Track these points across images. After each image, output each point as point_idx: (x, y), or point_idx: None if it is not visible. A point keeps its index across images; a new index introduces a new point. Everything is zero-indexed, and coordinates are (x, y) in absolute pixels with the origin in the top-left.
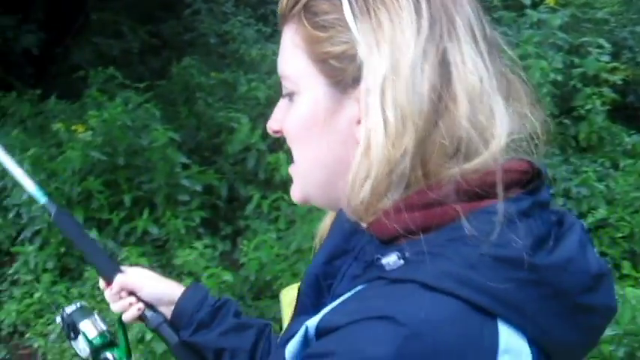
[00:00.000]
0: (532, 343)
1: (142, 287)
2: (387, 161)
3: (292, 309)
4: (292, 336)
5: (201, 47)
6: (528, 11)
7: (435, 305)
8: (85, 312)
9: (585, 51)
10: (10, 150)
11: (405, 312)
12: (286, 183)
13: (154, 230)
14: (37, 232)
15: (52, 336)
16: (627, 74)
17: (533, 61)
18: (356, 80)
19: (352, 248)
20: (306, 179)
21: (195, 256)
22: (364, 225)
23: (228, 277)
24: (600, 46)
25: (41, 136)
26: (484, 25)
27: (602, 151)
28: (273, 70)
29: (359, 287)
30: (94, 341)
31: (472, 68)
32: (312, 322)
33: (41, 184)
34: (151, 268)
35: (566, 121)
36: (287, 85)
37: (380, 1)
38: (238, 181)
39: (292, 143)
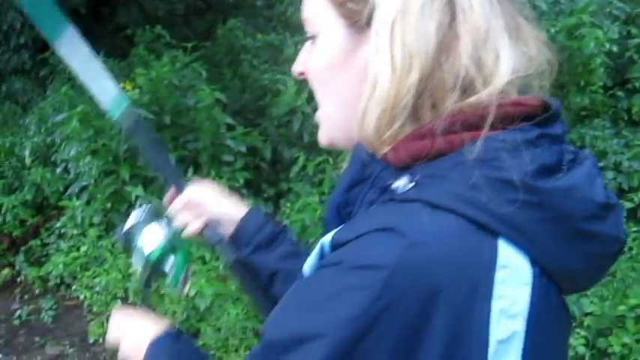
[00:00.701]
0: (534, 263)
1: (209, 202)
2: (392, 95)
3: None
4: None
5: (247, 9)
6: None
7: (436, 220)
8: (155, 215)
9: None
10: (59, 106)
11: (407, 225)
12: None
13: None
14: (84, 188)
15: (98, 288)
16: None
17: (587, 30)
18: (370, 21)
19: (368, 176)
20: (330, 121)
21: None
22: (379, 155)
23: None
24: None
25: (88, 94)
26: None
27: None
28: None
29: (371, 209)
30: (152, 256)
31: (479, 10)
32: (327, 239)
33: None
34: None
35: (620, 93)
36: (309, 29)
37: None
38: (282, 144)
39: (316, 84)
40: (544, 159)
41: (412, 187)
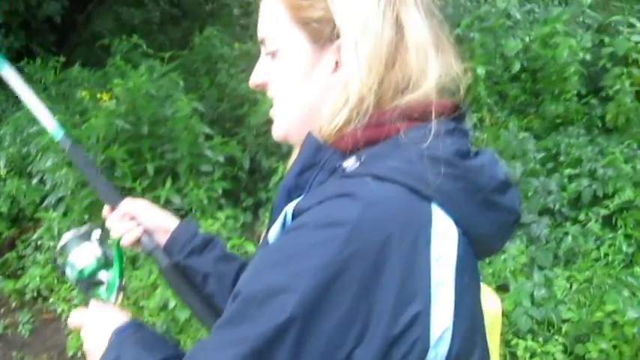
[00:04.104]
0: (458, 225)
1: (143, 214)
2: (358, 99)
3: None
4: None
5: (223, 18)
6: None
7: (383, 189)
8: (82, 237)
9: (615, 30)
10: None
11: (360, 191)
12: None
13: (176, 200)
14: (60, 199)
15: (76, 301)
16: None
17: (561, 39)
18: (331, 38)
19: (319, 161)
20: (289, 118)
21: (217, 227)
22: (329, 143)
23: (251, 247)
24: (631, 25)
25: (65, 104)
26: None
27: (630, 132)
28: None
29: (325, 182)
30: (85, 271)
31: (417, 27)
32: (289, 208)
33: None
34: None
35: (594, 101)
36: (270, 45)
37: None
38: (261, 153)
39: (278, 92)
40: (459, 145)
41: (359, 165)
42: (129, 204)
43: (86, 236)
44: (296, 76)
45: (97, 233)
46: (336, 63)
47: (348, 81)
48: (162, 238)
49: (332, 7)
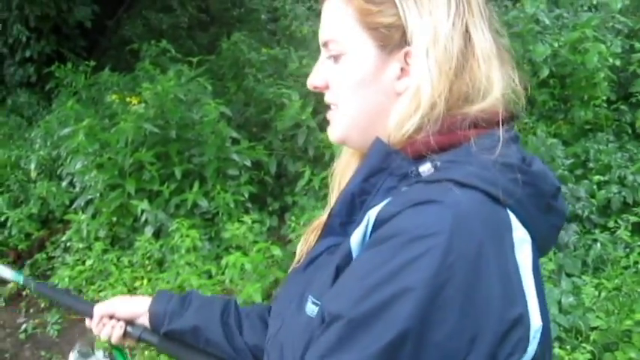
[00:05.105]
0: (527, 228)
1: (117, 309)
2: (430, 105)
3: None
4: (317, 256)
5: (251, 23)
6: None
7: (467, 195)
8: (84, 354)
9: None
10: (65, 120)
11: (447, 198)
12: None
13: (203, 203)
14: (89, 201)
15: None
16: None
17: (590, 44)
18: (400, 45)
19: (387, 166)
20: (350, 123)
21: (243, 230)
22: (398, 148)
23: (277, 251)
24: None
25: (95, 107)
26: (484, 3)
27: None
28: None
29: (402, 190)
30: None
31: (484, 37)
32: (372, 214)
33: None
34: (200, 240)
35: (623, 107)
36: (334, 48)
37: None
38: (287, 158)
39: (340, 95)
40: (521, 151)
41: (435, 171)
42: (100, 308)
43: (87, 353)
44: (360, 80)
45: (94, 348)
46: (402, 69)
47: (419, 88)
48: (144, 321)
49: (403, 14)
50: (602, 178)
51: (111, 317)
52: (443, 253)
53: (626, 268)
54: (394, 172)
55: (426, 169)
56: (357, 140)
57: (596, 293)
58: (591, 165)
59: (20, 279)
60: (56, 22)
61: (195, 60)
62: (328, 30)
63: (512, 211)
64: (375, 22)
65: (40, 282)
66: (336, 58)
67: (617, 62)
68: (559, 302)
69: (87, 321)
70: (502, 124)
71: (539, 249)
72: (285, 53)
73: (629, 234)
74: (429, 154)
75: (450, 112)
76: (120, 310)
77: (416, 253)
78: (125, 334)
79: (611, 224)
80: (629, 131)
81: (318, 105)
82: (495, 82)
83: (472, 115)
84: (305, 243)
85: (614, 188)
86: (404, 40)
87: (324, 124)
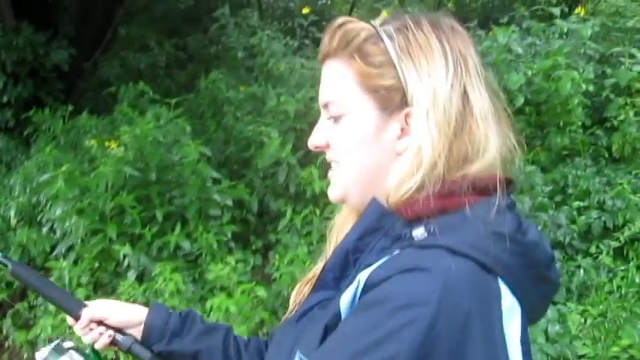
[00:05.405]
0: (516, 298)
1: (109, 315)
2: (430, 166)
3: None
4: (310, 309)
5: (228, 61)
6: (558, 21)
7: (458, 263)
8: (60, 350)
9: (617, 61)
10: (44, 165)
11: (438, 266)
12: (317, 197)
13: (186, 245)
14: (70, 247)
15: (87, 351)
16: None
17: (563, 71)
18: (400, 106)
19: (382, 227)
20: (350, 182)
21: (227, 271)
22: (394, 209)
23: (261, 292)
24: (632, 56)
25: (74, 152)
26: (481, 63)
27: (636, 162)
28: (301, 83)
29: (395, 252)
30: None
31: (481, 97)
32: (362, 276)
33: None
34: (184, 283)
35: (599, 132)
36: (334, 109)
37: (417, 46)
38: (269, 195)
39: (340, 155)
40: (517, 220)
41: (428, 235)
42: (90, 311)
43: (63, 350)
44: (361, 141)
45: (71, 344)
46: (402, 129)
47: (420, 148)
48: (135, 332)
49: (403, 76)
50: (581, 204)
51: (99, 323)
52: (429, 324)
53: (610, 293)
54: (388, 233)
55: (419, 233)
56: (356, 199)
57: (582, 320)
58: (570, 191)
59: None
60: (33, 66)
61: (173, 101)
62: (328, 92)
63: (503, 281)
64: (375, 84)
65: (21, 264)
66: (336, 118)
67: (591, 88)
68: (545, 331)
69: (70, 320)
70: (499, 189)
71: (529, 318)
72: (263, 90)
73: (611, 259)
74: (427, 216)
75: (450, 172)
76: (112, 318)
77: (402, 321)
78: (113, 343)
79: (592, 250)
80: (606, 155)
81: (297, 142)
82: (491, 140)
83: (471, 175)
84: (299, 294)
85: (594, 213)
86: (404, 102)
87: (304, 161)
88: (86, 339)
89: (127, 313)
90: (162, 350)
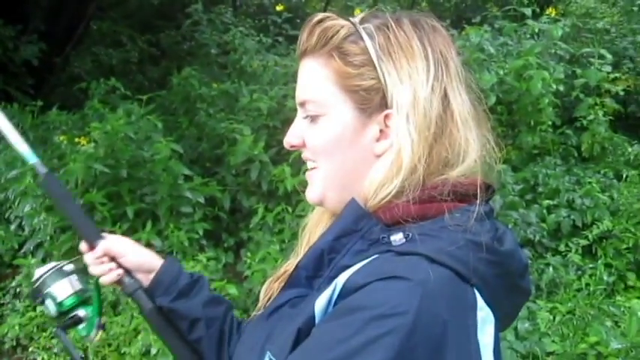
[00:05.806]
0: (490, 307)
1: (124, 254)
2: (410, 169)
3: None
4: (280, 306)
5: (202, 57)
6: (529, 22)
7: (436, 272)
8: (60, 274)
9: (586, 61)
10: (12, 162)
11: (417, 275)
12: (290, 195)
13: (157, 242)
14: (39, 245)
15: (56, 349)
16: (629, 84)
17: (534, 71)
18: (379, 108)
19: (359, 229)
20: (328, 184)
21: (199, 269)
22: (372, 212)
23: (233, 290)
24: (601, 57)
25: (43, 148)
26: (462, 66)
27: (605, 161)
28: (274, 81)
29: (372, 257)
30: (66, 302)
31: (462, 101)
32: (340, 280)
33: (34, 148)
34: None
35: (569, 131)
36: (312, 109)
37: (397, 46)
38: (241, 193)
39: (317, 156)
40: (495, 229)
41: (406, 242)
42: (108, 243)
43: (64, 272)
44: (339, 142)
45: (72, 267)
46: (381, 131)
47: (399, 151)
48: (144, 278)
49: (383, 77)
50: (551, 203)
51: (112, 258)
52: (407, 334)
53: (578, 290)
54: (365, 236)
55: (397, 238)
56: (334, 201)
57: (551, 317)
58: (540, 189)
59: (33, 158)
60: (2, 61)
61: (145, 97)
62: (305, 90)
63: (478, 290)
64: (354, 84)
65: (55, 176)
66: (313, 118)
67: (561, 88)
68: (515, 329)
69: (84, 247)
70: (480, 196)
71: (501, 325)
72: (236, 88)
73: (579, 257)
74: (406, 220)
75: (430, 176)
76: (129, 257)
77: (380, 331)
78: (118, 282)
79: (562, 248)
80: (575, 154)
81: (270, 139)
82: (472, 144)
83: (452, 180)
84: (268, 290)
85: (564, 212)
86: (384, 103)
87: (276, 159)
88: (94, 270)
89: (142, 257)
90: (164, 305)
